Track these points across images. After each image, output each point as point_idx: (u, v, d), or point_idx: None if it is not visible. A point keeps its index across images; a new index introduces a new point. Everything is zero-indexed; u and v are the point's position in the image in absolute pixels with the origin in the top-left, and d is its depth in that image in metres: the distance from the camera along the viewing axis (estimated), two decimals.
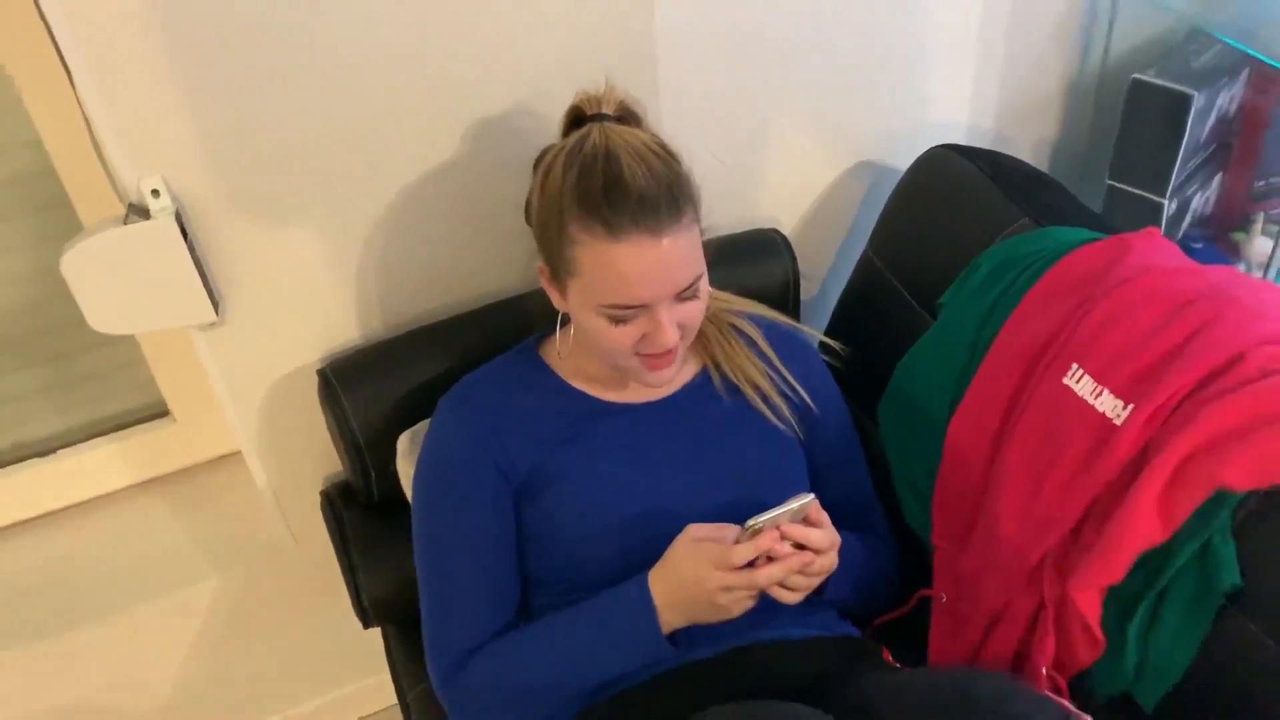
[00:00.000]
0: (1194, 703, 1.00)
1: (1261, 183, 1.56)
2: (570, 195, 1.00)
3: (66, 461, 1.53)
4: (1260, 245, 1.55)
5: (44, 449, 1.53)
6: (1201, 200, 1.58)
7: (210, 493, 1.58)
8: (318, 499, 1.40)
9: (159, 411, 1.56)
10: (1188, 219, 1.57)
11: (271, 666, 1.63)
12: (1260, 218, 1.52)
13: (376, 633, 1.45)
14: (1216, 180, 1.59)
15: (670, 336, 1.03)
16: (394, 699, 1.40)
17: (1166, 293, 1.09)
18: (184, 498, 1.58)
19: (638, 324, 1.03)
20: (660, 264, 1.00)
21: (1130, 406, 1.04)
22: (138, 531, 1.55)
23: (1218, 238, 1.62)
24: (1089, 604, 1.04)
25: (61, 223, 1.37)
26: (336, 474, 1.41)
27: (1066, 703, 0.95)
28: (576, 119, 1.08)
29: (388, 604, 1.32)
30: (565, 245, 1.02)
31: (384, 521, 1.32)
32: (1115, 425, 1.04)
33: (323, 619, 1.58)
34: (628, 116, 1.08)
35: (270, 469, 1.37)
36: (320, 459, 1.39)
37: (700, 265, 1.05)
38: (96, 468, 1.55)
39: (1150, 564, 1.02)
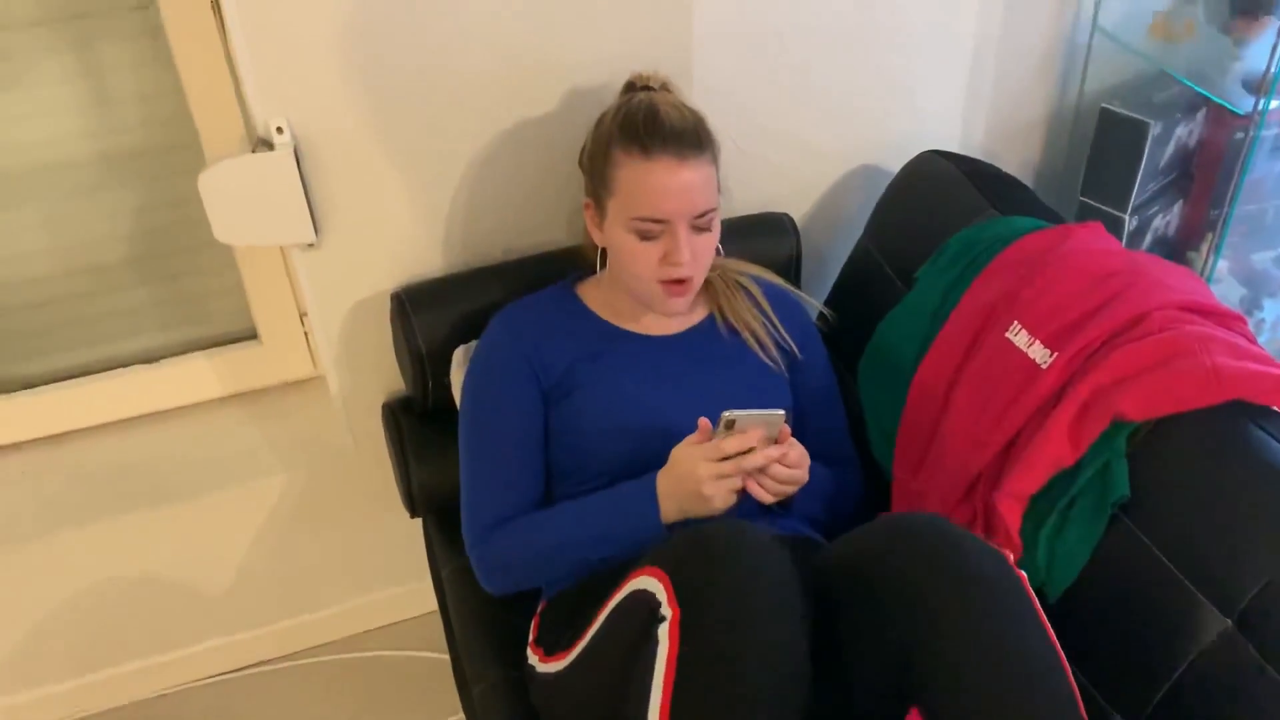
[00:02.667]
0: (1090, 593, 1.21)
1: (1215, 211, 1.79)
2: (616, 129, 1.27)
3: (167, 370, 1.78)
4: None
5: (149, 358, 1.79)
6: (1163, 222, 1.81)
7: (287, 409, 1.83)
8: (379, 410, 1.65)
9: (249, 335, 1.82)
10: (1149, 237, 1.80)
11: (325, 561, 1.87)
12: (1209, 238, 1.74)
13: (413, 547, 1.69)
14: (1178, 206, 1.82)
15: (684, 254, 1.26)
16: (433, 605, 1.62)
17: (1094, 266, 1.32)
18: (264, 411, 1.83)
19: (660, 243, 1.27)
20: (683, 185, 1.24)
21: (1054, 354, 1.27)
22: (220, 435, 1.80)
23: (1176, 256, 1.84)
24: (1011, 513, 1.26)
25: (186, 162, 1.64)
26: (397, 392, 1.66)
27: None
28: (629, 87, 1.36)
29: (431, 495, 1.56)
30: (608, 168, 1.28)
31: (435, 427, 1.56)
32: (1041, 368, 1.27)
33: (374, 522, 1.82)
34: (669, 87, 1.36)
35: (344, 379, 1.62)
36: (385, 377, 1.64)
37: (715, 200, 1.29)
38: (191, 379, 1.80)
39: (1061, 484, 1.24)
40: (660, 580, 1.02)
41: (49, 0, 1.48)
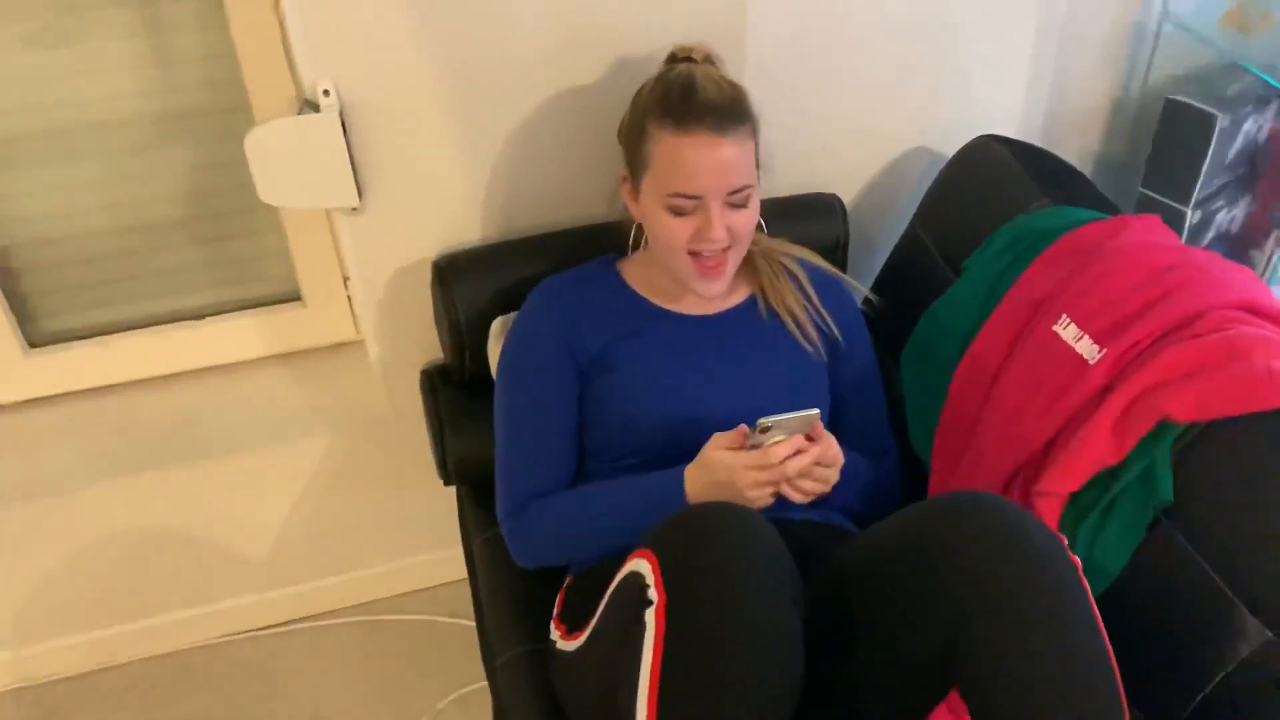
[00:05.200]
0: (1127, 596, 1.17)
1: None
2: (652, 102, 1.25)
3: (213, 328, 1.80)
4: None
5: (196, 316, 1.81)
6: (1226, 218, 1.75)
7: (328, 372, 1.84)
8: (418, 377, 1.66)
9: (294, 296, 1.84)
10: (1211, 232, 1.74)
11: (361, 523, 1.89)
12: (1275, 236, 1.69)
13: (447, 516, 1.69)
14: (1243, 202, 1.76)
15: (718, 231, 1.24)
16: (456, 575, 1.63)
17: (1150, 261, 1.28)
18: (306, 372, 1.84)
19: (694, 218, 1.25)
20: (717, 160, 1.22)
21: (1104, 349, 1.23)
22: (265, 394, 1.82)
23: (1237, 254, 1.79)
24: (1050, 510, 1.23)
25: (238, 124, 1.64)
26: (436, 360, 1.66)
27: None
28: (670, 59, 1.33)
29: (467, 466, 1.56)
30: (644, 141, 1.25)
31: (472, 397, 1.56)
32: (1089, 364, 1.24)
33: (411, 487, 1.83)
34: (713, 59, 1.33)
35: (383, 345, 1.63)
36: (424, 344, 1.64)
37: (751, 177, 1.26)
38: (237, 337, 1.82)
39: (1104, 482, 1.21)
40: (649, 562, 1.01)
41: None
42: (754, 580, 0.97)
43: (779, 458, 1.17)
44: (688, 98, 1.23)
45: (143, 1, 1.52)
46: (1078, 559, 1.01)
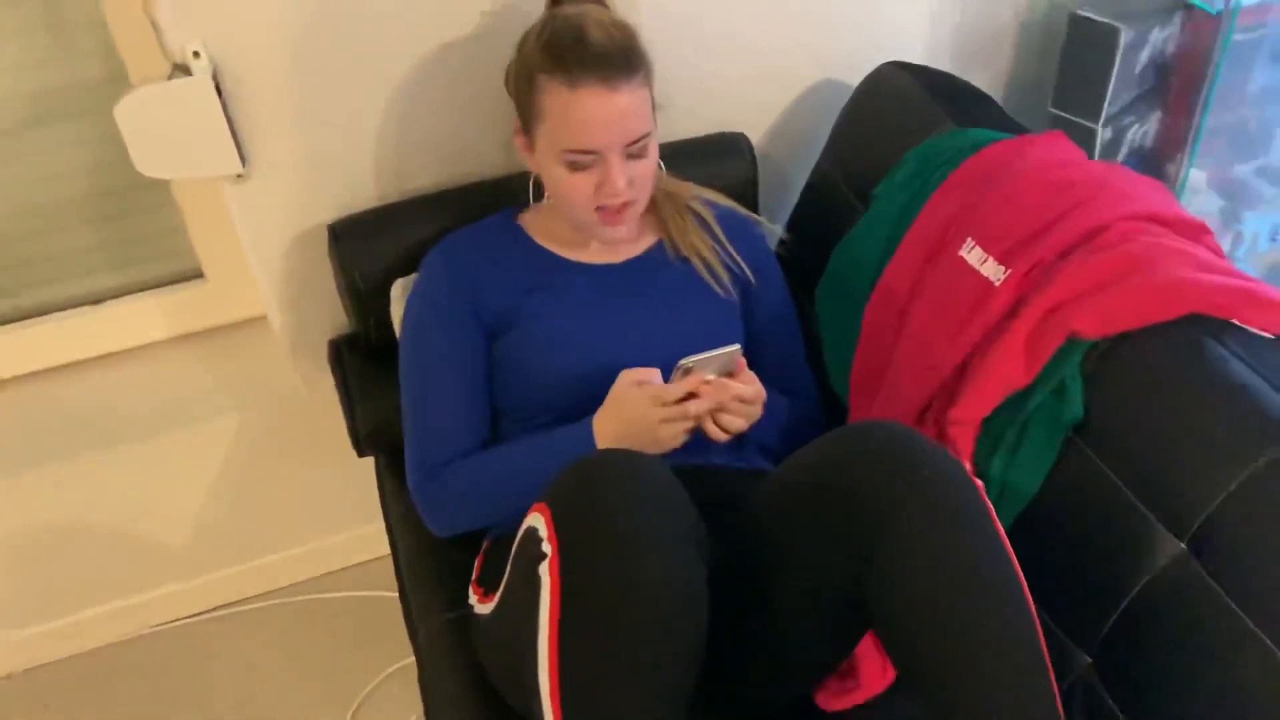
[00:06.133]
0: (1041, 518, 1.16)
1: (1194, 121, 1.71)
2: (540, 51, 1.19)
3: (112, 311, 1.73)
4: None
5: (94, 300, 1.74)
6: (1139, 133, 1.73)
7: (236, 349, 1.78)
8: (325, 349, 1.61)
9: (195, 274, 1.77)
10: (1124, 149, 1.72)
11: (284, 503, 1.84)
12: (1185, 148, 1.67)
13: (374, 487, 1.65)
14: (1155, 116, 1.74)
15: (618, 184, 1.20)
16: (388, 550, 1.59)
17: (1053, 179, 1.26)
18: (214, 351, 1.78)
19: (593, 173, 1.21)
20: (613, 112, 1.17)
21: (1008, 270, 1.21)
22: (170, 378, 1.75)
23: (1152, 169, 1.77)
24: (964, 438, 1.21)
25: (117, 95, 1.57)
26: (343, 327, 1.61)
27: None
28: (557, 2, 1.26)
29: (380, 434, 1.52)
30: (534, 94, 1.20)
31: (380, 364, 1.51)
32: (994, 286, 1.21)
33: (331, 462, 1.78)
34: (601, 1, 1.27)
35: (287, 316, 1.57)
36: (331, 313, 1.58)
37: (649, 125, 1.22)
38: (138, 320, 1.75)
39: (1015, 405, 1.19)
40: (543, 515, 0.97)
41: None
42: (647, 529, 0.93)
43: (681, 392, 1.15)
44: (577, 48, 1.17)
45: None
46: (979, 481, 0.98)
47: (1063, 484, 1.15)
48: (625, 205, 1.25)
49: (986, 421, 1.20)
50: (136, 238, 1.73)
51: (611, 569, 0.91)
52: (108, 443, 1.69)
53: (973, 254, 1.25)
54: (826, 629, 1.09)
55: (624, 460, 0.98)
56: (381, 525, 1.67)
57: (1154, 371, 1.10)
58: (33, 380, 1.73)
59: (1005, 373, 1.17)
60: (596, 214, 1.25)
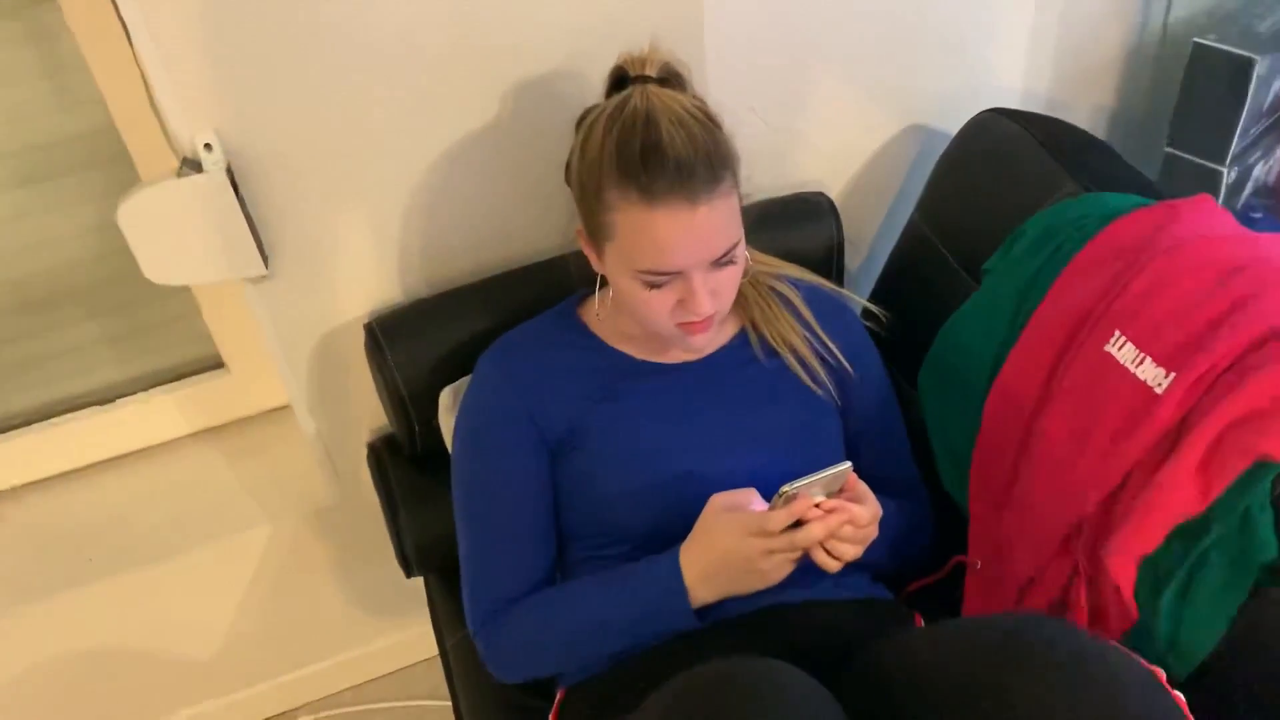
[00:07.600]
0: (1227, 674, 0.98)
1: None
2: (609, 160, 1.00)
3: (125, 410, 1.57)
4: None
5: (104, 398, 1.58)
6: (1264, 169, 1.54)
7: (263, 444, 1.62)
8: (364, 450, 1.44)
9: (214, 364, 1.61)
10: (1248, 188, 1.54)
11: (321, 612, 1.68)
12: None
13: (419, 585, 1.48)
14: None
15: (704, 305, 1.03)
16: (434, 650, 1.44)
17: (1213, 260, 1.07)
18: (238, 448, 1.62)
19: (673, 289, 1.04)
20: (695, 231, 0.99)
21: (1172, 375, 1.02)
22: (192, 480, 1.59)
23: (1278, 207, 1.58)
24: (1123, 572, 1.03)
25: (130, 178, 1.41)
26: (383, 428, 1.44)
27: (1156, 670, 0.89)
28: (619, 80, 1.07)
29: (430, 552, 1.35)
30: (602, 210, 1.02)
31: (427, 473, 1.35)
32: (1156, 394, 1.03)
33: (369, 571, 1.62)
34: (670, 79, 1.07)
35: (320, 421, 1.41)
36: (367, 413, 1.42)
37: (737, 232, 1.04)
38: (154, 417, 1.60)
39: (1187, 535, 1.01)
40: None
41: None
42: None
43: (779, 525, 0.98)
44: (652, 160, 0.98)
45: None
46: (1181, 697, 0.80)
47: (1255, 632, 0.97)
48: (710, 316, 1.07)
49: (1148, 558, 1.02)
50: (149, 327, 1.58)
51: None
52: (128, 558, 1.52)
53: (1123, 351, 1.07)
54: None
55: (750, 678, 0.80)
56: (421, 629, 1.51)
57: None
58: (41, 489, 1.58)
59: (1177, 500, 0.99)
60: (676, 327, 1.08)
